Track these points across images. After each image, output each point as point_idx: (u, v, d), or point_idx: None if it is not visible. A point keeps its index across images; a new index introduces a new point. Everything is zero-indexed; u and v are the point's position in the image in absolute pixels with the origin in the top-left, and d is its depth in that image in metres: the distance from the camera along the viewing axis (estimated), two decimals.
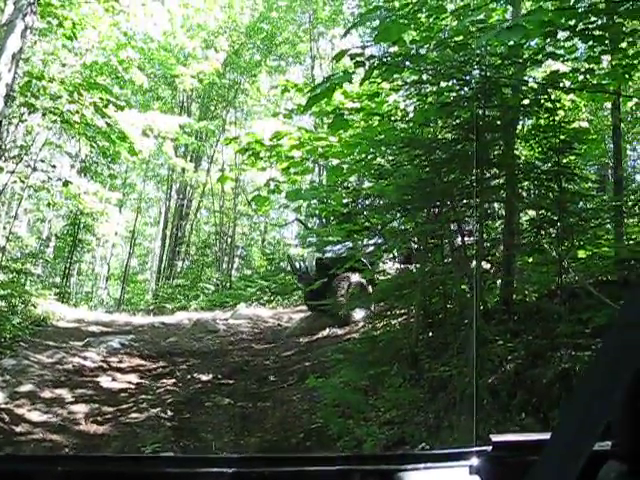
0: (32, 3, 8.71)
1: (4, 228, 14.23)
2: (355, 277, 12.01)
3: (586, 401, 0.81)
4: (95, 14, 12.43)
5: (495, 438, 1.10)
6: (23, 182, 13.11)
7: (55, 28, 11.89)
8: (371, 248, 10.27)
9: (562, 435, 0.82)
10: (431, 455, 1.33)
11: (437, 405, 5.69)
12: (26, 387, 7.56)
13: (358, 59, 5.30)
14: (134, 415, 6.95)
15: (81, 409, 7.07)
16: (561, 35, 5.56)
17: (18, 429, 6.25)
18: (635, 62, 6.11)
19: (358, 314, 11.92)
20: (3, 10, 10.79)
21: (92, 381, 8.19)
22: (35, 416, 6.70)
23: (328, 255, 12.35)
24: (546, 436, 0.90)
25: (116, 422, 6.72)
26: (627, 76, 6.35)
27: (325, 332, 12.21)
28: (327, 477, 1.17)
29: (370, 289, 11.83)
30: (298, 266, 13.57)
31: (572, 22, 5.22)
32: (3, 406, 6.76)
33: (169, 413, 7.08)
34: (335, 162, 9.52)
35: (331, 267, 11.26)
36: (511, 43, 5.92)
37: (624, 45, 5.83)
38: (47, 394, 7.50)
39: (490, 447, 1.10)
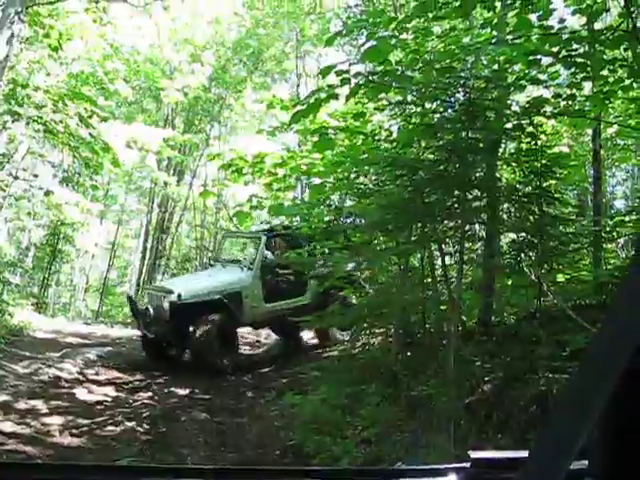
0: (20, 12, 8.71)
1: None
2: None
3: (563, 420, 0.82)
4: (82, 24, 12.43)
5: (474, 455, 1.11)
6: (4, 190, 13.02)
7: (41, 37, 11.87)
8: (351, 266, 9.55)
9: (540, 453, 0.84)
10: (410, 470, 1.34)
11: (415, 424, 5.69)
12: (0, 397, 7.47)
13: (344, 76, 5.33)
14: (110, 428, 6.89)
15: (56, 421, 7.00)
16: (544, 60, 5.65)
17: None
18: (615, 89, 6.21)
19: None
20: None
21: (68, 393, 8.12)
22: (8, 427, 6.61)
23: (193, 294, 10.39)
24: (524, 454, 0.92)
25: (91, 435, 6.66)
26: (608, 102, 6.46)
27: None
28: None
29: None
30: (144, 310, 10.69)
31: (555, 49, 5.31)
32: None
33: (145, 427, 7.03)
34: (318, 180, 9.55)
35: (193, 313, 9.98)
36: (495, 67, 6.01)
37: (605, 72, 5.93)
38: (22, 405, 7.41)
39: (469, 464, 1.11)
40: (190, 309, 10.01)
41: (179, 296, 10.12)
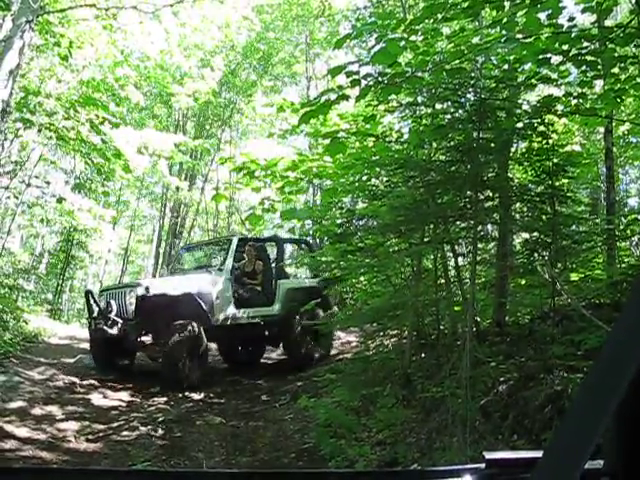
0: (31, 20, 8.77)
1: None
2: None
3: (577, 420, 0.82)
4: (93, 31, 12.49)
5: (488, 455, 1.11)
6: (17, 198, 13.13)
7: (52, 45, 11.94)
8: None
9: (554, 453, 0.84)
10: (425, 472, 1.34)
11: (429, 426, 5.68)
12: (16, 404, 7.50)
13: (354, 77, 5.33)
14: (125, 433, 6.91)
15: (71, 426, 7.03)
16: (555, 59, 5.63)
17: (7, 445, 6.20)
18: (627, 87, 6.18)
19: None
20: (1, 26, 10.86)
21: (83, 398, 8.14)
22: (24, 432, 6.64)
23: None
24: (539, 454, 0.92)
25: (107, 440, 6.68)
26: (619, 100, 6.42)
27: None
28: None
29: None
30: (106, 305, 9.48)
31: (565, 47, 5.29)
32: None
33: (160, 431, 7.05)
34: (329, 182, 9.56)
35: (164, 307, 9.14)
36: (505, 67, 6.00)
37: (616, 70, 5.90)
38: (37, 411, 7.45)
39: (483, 464, 1.11)
40: (158, 304, 9.20)
41: (147, 289, 9.41)
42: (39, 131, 11.83)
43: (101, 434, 6.85)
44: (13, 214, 14.35)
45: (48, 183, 14.73)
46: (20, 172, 12.76)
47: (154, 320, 9.24)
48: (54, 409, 7.60)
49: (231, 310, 10.23)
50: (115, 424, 7.22)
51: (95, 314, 9.59)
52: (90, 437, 6.72)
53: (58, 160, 16.43)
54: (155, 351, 9.54)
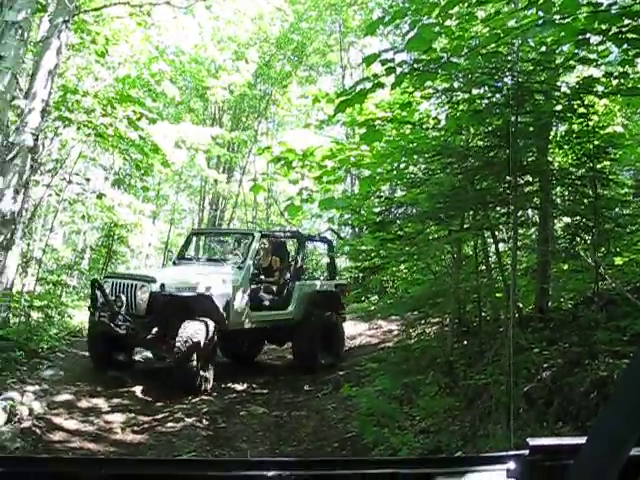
0: (67, 20, 8.88)
1: (40, 240, 14.44)
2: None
3: (623, 405, 0.81)
4: (127, 28, 12.61)
5: (532, 442, 1.10)
6: (58, 195, 13.31)
7: (88, 44, 12.08)
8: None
9: (598, 439, 0.83)
10: (468, 459, 1.33)
11: (473, 413, 5.66)
12: (63, 397, 7.65)
13: (389, 65, 5.29)
14: (170, 424, 7.00)
15: (117, 418, 7.15)
16: (594, 39, 5.52)
17: (56, 437, 6.33)
18: None
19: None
20: (39, 27, 11.02)
21: (128, 391, 8.26)
22: (72, 425, 6.78)
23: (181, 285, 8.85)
24: (583, 440, 0.91)
25: (152, 431, 6.78)
26: None
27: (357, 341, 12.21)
28: None
29: None
30: (115, 299, 8.69)
31: (605, 26, 5.18)
32: (41, 415, 6.85)
33: (204, 422, 7.12)
34: (367, 171, 9.53)
35: (179, 306, 8.46)
36: (543, 49, 5.90)
37: None
38: (84, 403, 7.59)
39: (527, 451, 1.10)
40: (174, 303, 8.54)
41: (162, 286, 8.59)
42: (78, 129, 11.97)
43: (146, 426, 6.95)
44: (55, 211, 14.56)
45: (88, 180, 14.91)
46: (61, 170, 12.93)
47: (167, 318, 8.49)
48: (100, 402, 7.74)
49: (246, 312, 9.55)
50: (160, 416, 7.32)
51: (100, 305, 8.77)
52: (136, 429, 6.83)
53: (97, 157, 16.64)
54: (162, 349, 8.87)
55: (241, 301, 9.47)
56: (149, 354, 10.20)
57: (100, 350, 9.06)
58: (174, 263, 10.91)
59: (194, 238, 13.13)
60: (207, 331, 8.38)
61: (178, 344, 8.11)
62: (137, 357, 10.04)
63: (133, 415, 7.31)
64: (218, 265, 10.13)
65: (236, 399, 8.36)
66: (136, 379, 8.76)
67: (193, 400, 7.97)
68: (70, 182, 13.28)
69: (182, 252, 11.22)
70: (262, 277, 10.31)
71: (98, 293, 8.77)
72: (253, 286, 9.89)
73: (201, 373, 8.27)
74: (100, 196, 14.07)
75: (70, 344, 10.50)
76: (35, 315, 11.35)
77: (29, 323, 10.70)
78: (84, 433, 6.54)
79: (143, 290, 8.63)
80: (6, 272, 8.94)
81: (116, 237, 19.90)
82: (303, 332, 9.98)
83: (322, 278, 12.93)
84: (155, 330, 8.51)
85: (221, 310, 8.95)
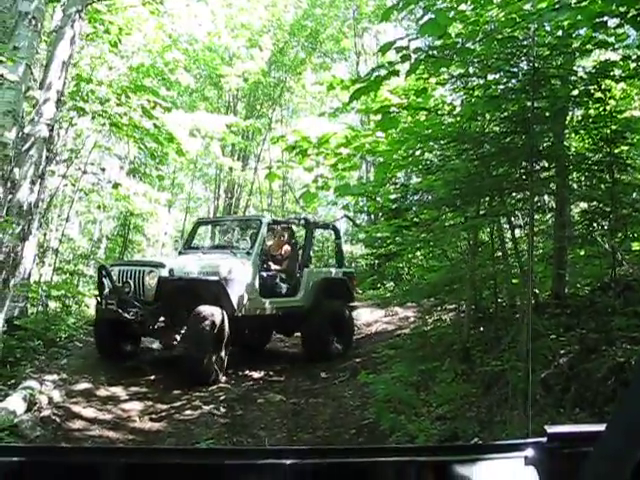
0: (80, 10, 8.86)
1: (57, 230, 14.51)
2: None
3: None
4: (140, 17, 12.59)
5: (550, 429, 1.10)
6: (74, 185, 13.33)
7: (101, 33, 12.08)
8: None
9: (617, 426, 0.82)
10: (486, 446, 1.33)
11: (490, 400, 5.66)
12: (82, 385, 7.71)
13: (404, 52, 5.26)
14: (188, 412, 7.05)
15: (135, 406, 7.21)
16: (611, 22, 5.46)
17: (75, 425, 6.40)
18: None
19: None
20: (52, 17, 11.03)
21: (146, 379, 8.31)
22: (91, 413, 6.84)
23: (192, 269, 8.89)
24: (601, 427, 0.90)
25: (170, 419, 6.83)
26: None
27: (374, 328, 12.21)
28: (382, 468, 1.18)
29: None
30: (122, 285, 8.62)
31: (623, 9, 5.11)
32: (61, 404, 6.92)
33: (222, 410, 7.17)
34: (382, 158, 9.49)
35: (188, 292, 8.44)
36: (559, 33, 5.84)
37: None
38: (102, 392, 7.65)
39: (545, 438, 1.10)
40: (183, 289, 8.51)
41: (171, 271, 8.54)
42: (92, 118, 11.97)
43: (164, 414, 7.00)
44: (71, 201, 14.59)
45: (103, 169, 14.95)
46: (76, 160, 12.95)
47: (175, 305, 8.49)
48: (118, 390, 7.80)
49: (256, 298, 9.48)
50: (178, 403, 7.37)
51: (107, 292, 8.73)
52: (154, 417, 6.89)
53: (112, 146, 16.64)
54: (171, 338, 8.69)
55: (251, 287, 9.41)
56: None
57: (106, 338, 8.95)
58: (180, 253, 10.86)
59: (201, 227, 13.14)
60: (220, 317, 8.34)
61: (189, 331, 8.12)
62: (153, 345, 9.98)
63: (151, 403, 7.37)
64: (226, 252, 10.04)
65: (253, 386, 8.40)
66: (154, 368, 8.78)
67: (210, 388, 8.01)
68: (85, 172, 13.31)
69: (189, 241, 11.28)
70: (271, 264, 10.33)
71: (105, 280, 8.72)
72: (262, 273, 9.86)
73: (213, 361, 8.19)
74: (116, 185, 14.08)
75: (87, 333, 10.57)
76: (53, 305, 11.45)
77: (47, 313, 10.80)
78: (103, 421, 6.60)
79: (151, 275, 8.55)
80: (23, 262, 9.00)
81: (132, 226, 20.00)
82: (313, 319, 9.96)
83: (331, 267, 12.90)
84: (163, 319, 8.60)
85: (230, 296, 8.89)
